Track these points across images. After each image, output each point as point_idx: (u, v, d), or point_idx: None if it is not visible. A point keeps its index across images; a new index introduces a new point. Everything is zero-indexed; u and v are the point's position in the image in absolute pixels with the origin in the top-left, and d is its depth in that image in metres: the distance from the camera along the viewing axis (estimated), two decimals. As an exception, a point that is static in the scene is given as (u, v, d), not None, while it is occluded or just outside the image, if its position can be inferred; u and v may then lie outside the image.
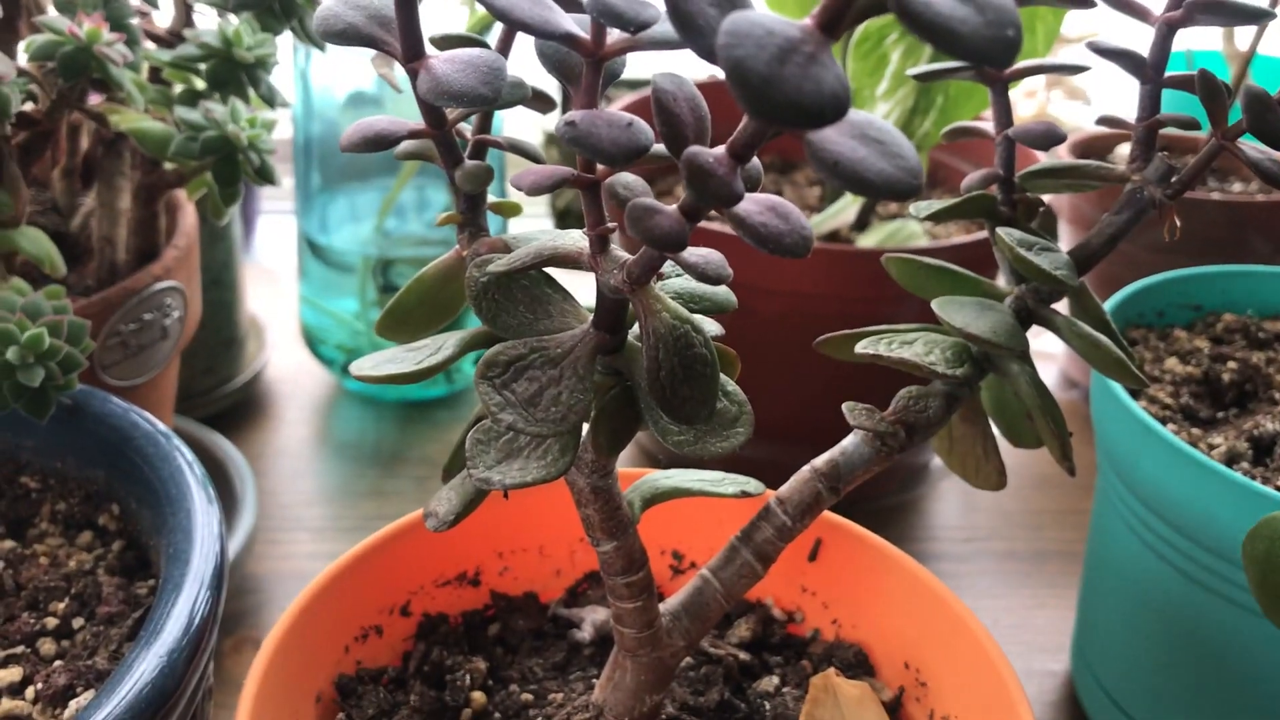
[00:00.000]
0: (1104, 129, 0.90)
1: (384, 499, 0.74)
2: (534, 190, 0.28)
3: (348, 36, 0.31)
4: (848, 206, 0.69)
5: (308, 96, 0.73)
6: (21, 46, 0.54)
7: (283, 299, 0.95)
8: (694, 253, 0.28)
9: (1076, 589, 0.61)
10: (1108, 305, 0.57)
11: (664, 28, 0.27)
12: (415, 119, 0.33)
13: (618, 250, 0.29)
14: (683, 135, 0.25)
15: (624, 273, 0.28)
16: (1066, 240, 0.84)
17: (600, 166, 0.29)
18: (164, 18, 0.58)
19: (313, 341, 0.83)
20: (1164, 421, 0.52)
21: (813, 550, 0.43)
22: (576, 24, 0.27)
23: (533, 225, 1.08)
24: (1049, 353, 0.92)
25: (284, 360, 0.88)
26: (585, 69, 0.27)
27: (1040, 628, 0.65)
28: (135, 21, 0.53)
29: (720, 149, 0.25)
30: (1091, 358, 0.37)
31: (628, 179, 0.28)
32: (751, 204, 0.26)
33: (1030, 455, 0.77)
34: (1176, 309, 0.60)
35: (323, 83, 0.74)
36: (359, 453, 0.79)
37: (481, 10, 0.72)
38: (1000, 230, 0.37)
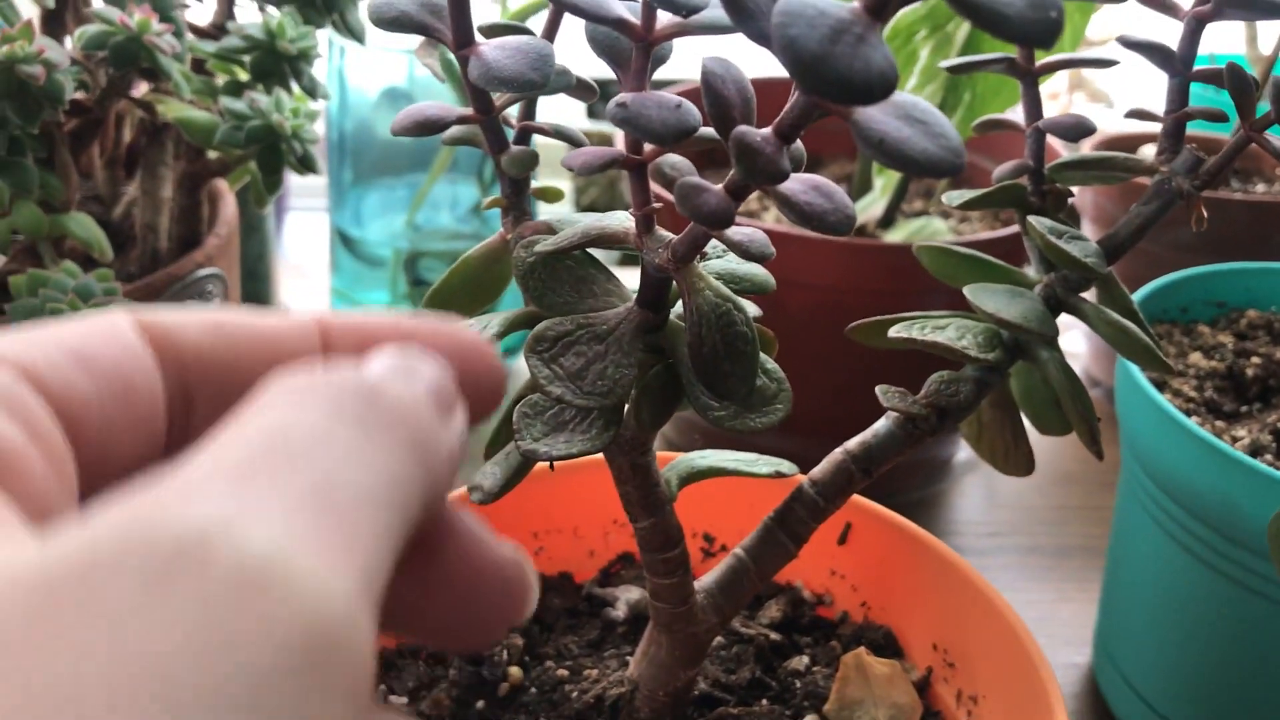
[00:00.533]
0: (1128, 129, 0.91)
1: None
2: (585, 170, 0.29)
3: (401, 24, 0.32)
4: (875, 202, 0.70)
5: (343, 93, 0.75)
6: (73, 36, 0.56)
7: (313, 293, 0.96)
8: (738, 231, 0.29)
9: (1099, 583, 0.62)
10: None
11: (714, 12, 0.28)
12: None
13: (662, 231, 0.30)
14: (730, 116, 0.26)
15: (669, 251, 0.29)
16: (1090, 236, 0.85)
17: (647, 148, 0.30)
18: (205, 11, 0.59)
19: (343, 334, 0.84)
20: (1188, 414, 0.53)
21: (842, 534, 0.44)
22: (626, 9, 0.28)
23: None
24: (1072, 352, 0.93)
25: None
26: (635, 53, 0.28)
27: (1064, 620, 0.66)
28: (179, 14, 0.54)
29: (767, 129, 0.26)
30: (1119, 344, 0.38)
31: (675, 159, 0.29)
32: (796, 183, 0.27)
33: (1053, 451, 0.78)
34: (1200, 305, 0.61)
35: (357, 80, 0.75)
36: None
37: (515, 5, 0.74)
38: (1031, 219, 0.38)
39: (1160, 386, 0.54)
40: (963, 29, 0.63)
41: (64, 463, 0.19)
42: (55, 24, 0.55)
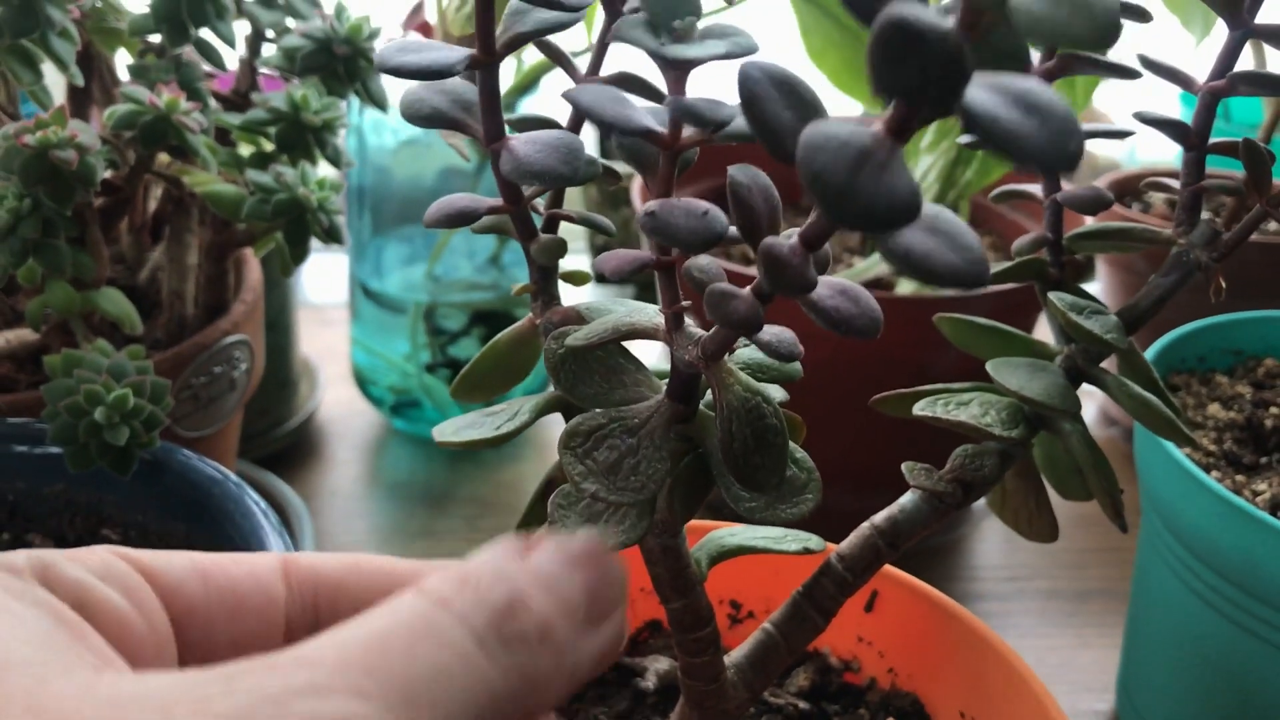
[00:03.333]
0: (1139, 170, 0.91)
1: (436, 539, 0.76)
2: (616, 275, 0.29)
3: (433, 120, 0.33)
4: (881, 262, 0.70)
5: (363, 145, 0.75)
6: (100, 111, 0.56)
7: (332, 339, 0.97)
8: (768, 331, 0.29)
9: (1121, 627, 0.62)
10: (1150, 351, 0.58)
11: (741, 123, 0.28)
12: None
13: (692, 327, 0.31)
14: (758, 225, 0.27)
15: (698, 349, 0.30)
16: (1103, 277, 0.85)
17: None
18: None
19: (363, 382, 0.85)
20: (1208, 469, 0.53)
21: (869, 601, 0.44)
22: (653, 117, 0.29)
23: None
24: (1087, 388, 0.93)
25: (334, 400, 0.90)
26: (661, 159, 0.29)
27: (1084, 667, 0.66)
28: (204, 85, 0.55)
29: (794, 239, 0.26)
30: (1141, 417, 0.38)
31: (703, 263, 0.29)
32: (824, 288, 0.27)
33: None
34: (1218, 354, 0.61)
35: (376, 131, 0.76)
36: (410, 492, 0.81)
37: (528, 64, 0.74)
38: (1052, 295, 0.38)
39: (1180, 439, 0.55)
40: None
41: (163, 635, 0.23)
42: (83, 98, 0.56)
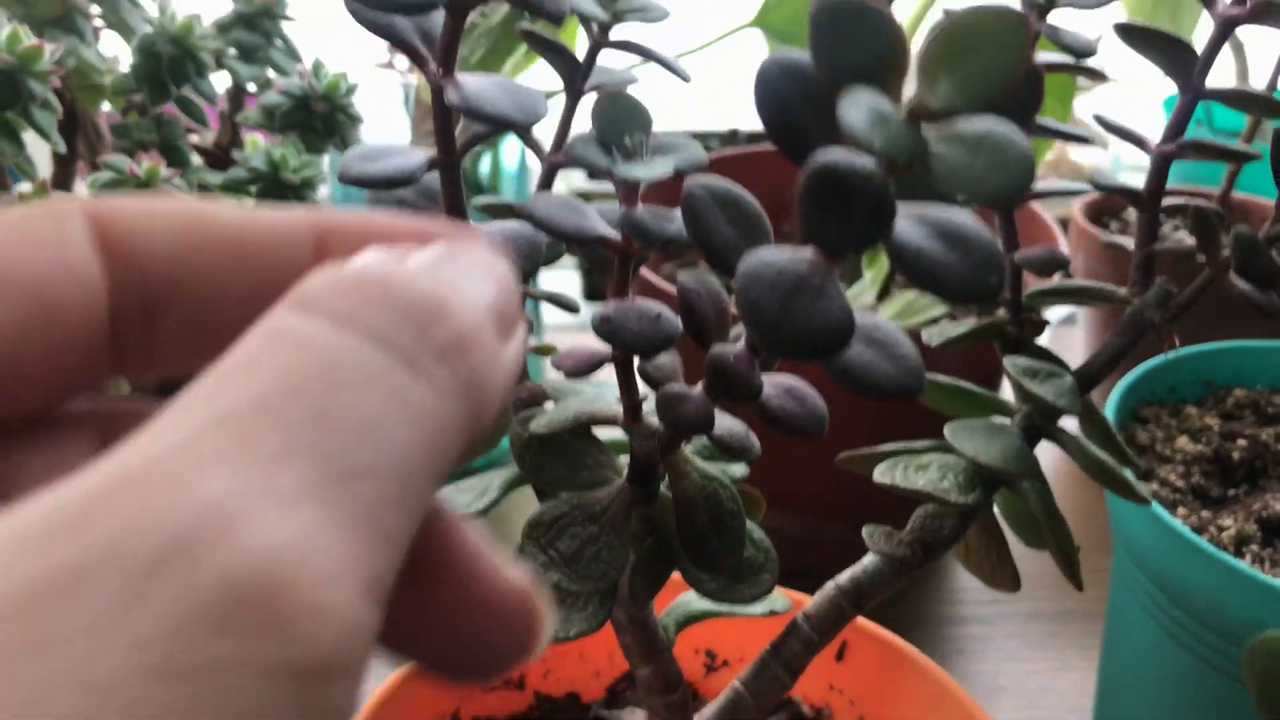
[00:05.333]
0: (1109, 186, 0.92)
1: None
2: (574, 373, 0.30)
3: (401, 209, 0.34)
4: (865, 290, 0.71)
5: (346, 195, 0.77)
6: (87, 169, 0.58)
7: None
8: (720, 426, 0.30)
9: (1099, 649, 0.63)
10: (1120, 385, 0.59)
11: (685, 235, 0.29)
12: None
13: (650, 418, 0.32)
14: (707, 333, 0.28)
15: (655, 440, 0.31)
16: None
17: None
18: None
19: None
20: (1174, 505, 0.54)
21: (839, 651, 0.46)
22: (608, 223, 0.30)
23: (559, 276, 1.11)
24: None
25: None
26: (617, 263, 0.30)
27: (1064, 691, 0.67)
28: (184, 142, 0.56)
29: (740, 345, 0.27)
30: (1098, 478, 0.39)
31: (660, 361, 0.30)
32: (771, 388, 0.28)
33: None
34: (1188, 385, 0.62)
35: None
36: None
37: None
38: (1007, 361, 0.39)
39: (1147, 475, 0.56)
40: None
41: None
42: (69, 155, 0.57)
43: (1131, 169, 1.24)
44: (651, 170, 0.27)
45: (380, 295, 0.15)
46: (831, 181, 0.22)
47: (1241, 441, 0.57)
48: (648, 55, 0.35)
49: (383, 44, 0.67)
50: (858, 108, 0.21)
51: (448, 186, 0.33)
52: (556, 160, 0.35)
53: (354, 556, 0.13)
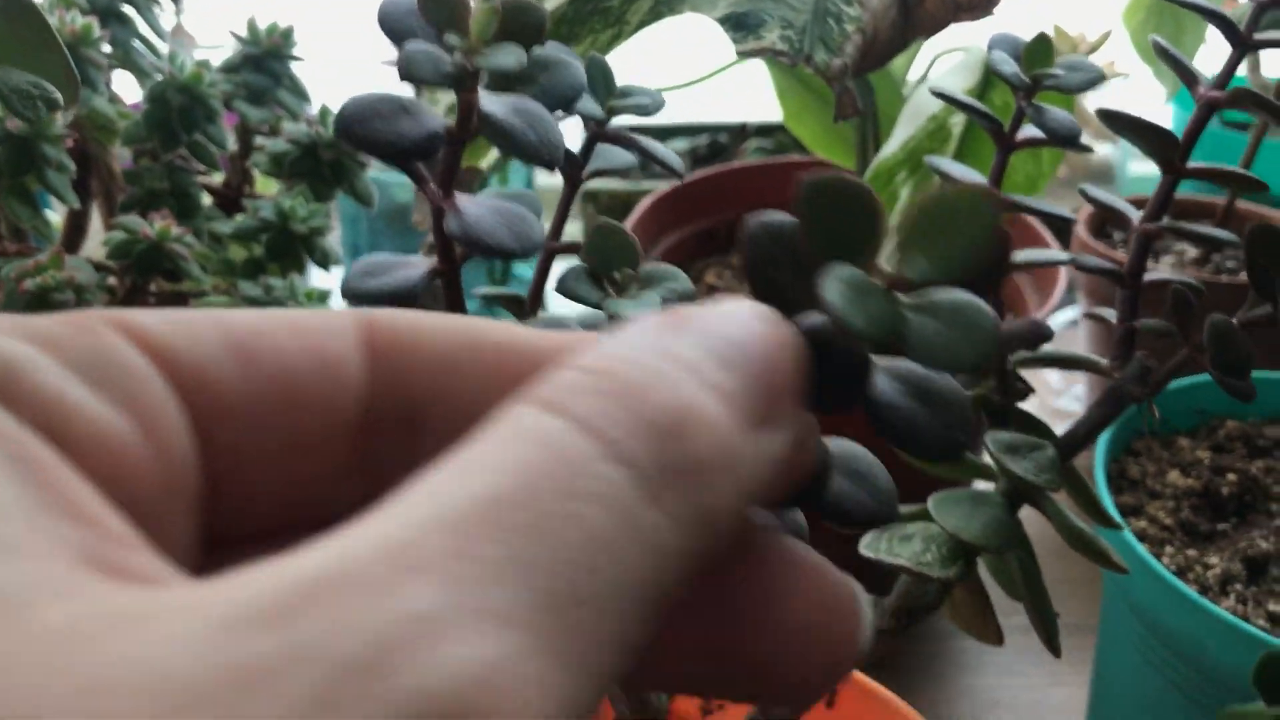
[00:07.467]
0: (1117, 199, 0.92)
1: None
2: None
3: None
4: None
5: (355, 212, 0.78)
6: (103, 208, 0.59)
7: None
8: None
9: (1090, 663, 0.65)
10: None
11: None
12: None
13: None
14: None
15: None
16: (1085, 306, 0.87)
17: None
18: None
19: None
20: (1161, 543, 0.55)
21: (829, 699, 0.47)
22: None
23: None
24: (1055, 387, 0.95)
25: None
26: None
27: (1056, 706, 0.69)
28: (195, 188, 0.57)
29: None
30: (1077, 547, 0.41)
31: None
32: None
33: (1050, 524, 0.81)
34: (1181, 415, 0.63)
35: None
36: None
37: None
38: (988, 437, 0.41)
39: (1136, 511, 0.57)
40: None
41: (174, 455, 0.16)
42: (83, 203, 0.58)
43: (1139, 159, 1.24)
44: (640, 304, 0.29)
45: (626, 392, 0.14)
46: (811, 348, 0.23)
47: (1231, 476, 0.59)
48: (642, 151, 0.36)
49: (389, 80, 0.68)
50: (839, 285, 0.23)
51: (450, 292, 0.34)
52: (555, 246, 0.37)
53: (560, 689, 0.12)
